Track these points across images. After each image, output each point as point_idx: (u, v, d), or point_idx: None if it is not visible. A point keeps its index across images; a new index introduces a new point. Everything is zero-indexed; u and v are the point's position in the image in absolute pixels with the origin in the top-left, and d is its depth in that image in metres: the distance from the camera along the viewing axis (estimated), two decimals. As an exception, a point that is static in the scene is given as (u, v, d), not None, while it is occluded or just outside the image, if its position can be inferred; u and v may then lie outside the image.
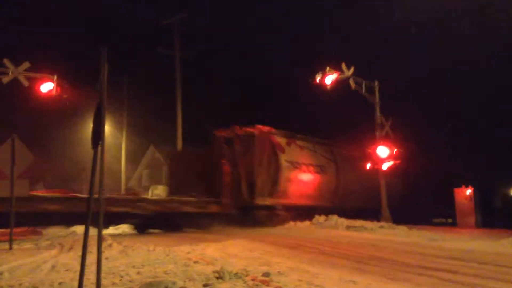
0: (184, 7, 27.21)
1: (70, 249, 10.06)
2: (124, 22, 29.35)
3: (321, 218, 19.69)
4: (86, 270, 5.93)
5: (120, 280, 6.51)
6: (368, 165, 21.22)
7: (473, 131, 28.98)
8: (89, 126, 5.26)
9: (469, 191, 20.97)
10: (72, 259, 8.51)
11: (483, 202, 21.58)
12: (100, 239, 4.59)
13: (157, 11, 27.53)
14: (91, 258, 6.48)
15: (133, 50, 27.74)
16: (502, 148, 29.08)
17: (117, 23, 29.78)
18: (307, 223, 19.54)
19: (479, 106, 29.27)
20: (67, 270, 7.47)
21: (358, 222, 18.67)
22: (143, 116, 32.34)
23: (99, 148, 4.28)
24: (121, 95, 31.74)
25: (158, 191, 25.04)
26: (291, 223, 19.41)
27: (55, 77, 19.33)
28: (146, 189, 32.62)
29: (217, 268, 7.01)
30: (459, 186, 21.44)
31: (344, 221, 18.91)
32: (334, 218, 19.35)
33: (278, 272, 7.40)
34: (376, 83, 21.56)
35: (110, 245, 9.95)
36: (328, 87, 20.21)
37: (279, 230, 17.76)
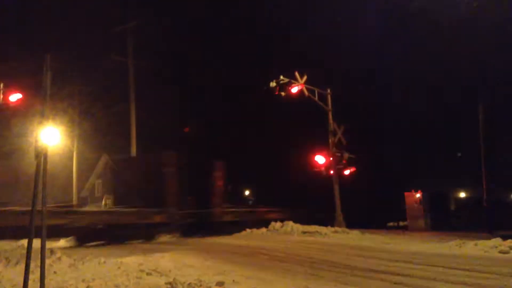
0: (142, 13, 26.63)
1: (17, 263, 9.63)
2: (76, 28, 28.43)
3: (277, 225, 19.82)
4: (35, 285, 5.73)
5: (69, 294, 6.32)
6: (322, 171, 21.62)
7: (425, 136, 29.94)
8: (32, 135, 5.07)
9: (418, 195, 21.63)
10: (18, 273, 8.15)
11: (434, 206, 22.29)
12: (43, 251, 4.43)
13: (111, 18, 26.79)
14: (40, 272, 6.24)
15: (85, 57, 26.97)
16: (454, 153, 30.26)
17: (68, 30, 28.84)
18: (263, 230, 19.62)
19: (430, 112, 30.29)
20: (13, 285, 7.18)
21: (313, 228, 18.92)
22: (96, 125, 31.56)
23: (42, 158, 4.14)
24: (73, 103, 30.86)
25: (111, 201, 24.39)
26: (248, 231, 19.42)
27: (1, 85, 18.68)
28: (99, 199, 31.82)
29: (170, 280, 6.93)
30: (409, 190, 22.09)
31: (299, 227, 19.12)
32: (290, 224, 19.51)
33: (233, 280, 7.38)
34: (328, 90, 21.96)
35: (59, 259, 9.58)
36: (282, 94, 20.42)
37: (235, 238, 17.73)
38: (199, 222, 19.03)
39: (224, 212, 20.45)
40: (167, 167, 19.18)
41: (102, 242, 15.80)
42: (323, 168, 21.63)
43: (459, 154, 29.38)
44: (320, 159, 21.54)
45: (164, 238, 17.32)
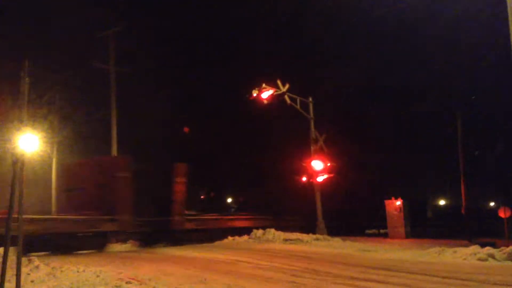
0: (123, 19, 26.49)
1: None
2: (56, 34, 28.10)
3: (259, 232, 19.74)
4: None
5: (46, 304, 6.21)
6: (304, 178, 21.67)
7: (405, 145, 30.38)
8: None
9: (398, 203, 21.81)
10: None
11: (414, 214, 22.52)
12: (19, 259, 4.35)
13: (93, 24, 26.59)
14: (16, 280, 6.11)
15: (65, 62, 26.62)
16: (433, 162, 30.70)
17: (48, 35, 28.51)
18: (245, 237, 19.52)
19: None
20: (-12, 295, 7.00)
21: (295, 235, 18.94)
22: (77, 131, 31.20)
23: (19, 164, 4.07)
24: (53, 109, 30.46)
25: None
26: (230, 238, 19.30)
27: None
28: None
29: (150, 288, 6.86)
30: (390, 198, 22.28)
31: (281, 235, 19.09)
32: (272, 232, 19.47)
33: (214, 289, 7.35)
34: (310, 99, 22.06)
35: (37, 267, 9.40)
36: (265, 102, 20.46)
37: (217, 245, 17.61)
38: (157, 231, 17.92)
39: (185, 220, 19.02)
40: (120, 171, 17.48)
41: (45, 253, 14.00)
42: (305, 176, 21.65)
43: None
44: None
45: (117, 248, 16.41)
